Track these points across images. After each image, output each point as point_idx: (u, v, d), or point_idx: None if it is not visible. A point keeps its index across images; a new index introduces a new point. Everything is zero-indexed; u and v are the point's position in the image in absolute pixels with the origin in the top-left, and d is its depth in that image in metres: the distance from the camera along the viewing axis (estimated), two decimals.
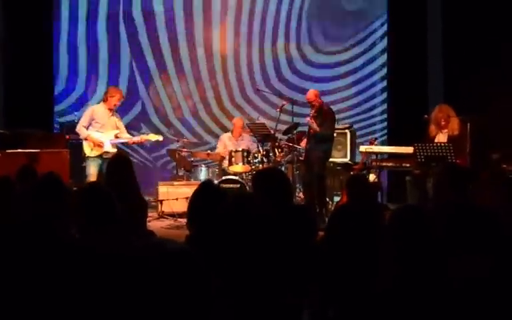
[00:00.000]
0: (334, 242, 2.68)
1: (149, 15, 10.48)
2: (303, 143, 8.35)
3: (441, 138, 7.53)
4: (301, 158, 8.47)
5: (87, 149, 7.90)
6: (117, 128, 8.10)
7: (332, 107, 8.53)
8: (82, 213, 2.93)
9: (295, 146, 8.43)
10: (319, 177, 7.94)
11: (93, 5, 10.47)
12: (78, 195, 3.11)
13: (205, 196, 3.21)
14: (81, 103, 10.30)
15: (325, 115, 8.09)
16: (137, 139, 8.42)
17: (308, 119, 8.04)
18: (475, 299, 2.29)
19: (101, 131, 7.94)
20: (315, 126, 7.94)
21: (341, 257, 2.59)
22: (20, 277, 2.51)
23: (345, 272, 2.56)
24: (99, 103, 8.41)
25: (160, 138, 8.39)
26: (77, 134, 8.16)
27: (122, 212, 2.97)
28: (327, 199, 8.50)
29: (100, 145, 7.84)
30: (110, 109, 8.02)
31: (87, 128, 7.95)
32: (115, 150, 7.92)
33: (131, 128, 9.26)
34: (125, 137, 8.24)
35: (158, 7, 10.48)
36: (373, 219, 2.70)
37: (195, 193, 3.29)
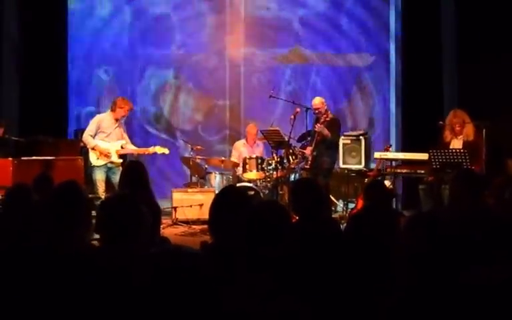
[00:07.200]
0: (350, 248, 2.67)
1: (161, 20, 10.49)
2: (307, 151, 8.34)
3: (456, 144, 7.48)
4: (306, 166, 8.43)
5: (93, 158, 8.00)
6: (123, 138, 8.18)
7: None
8: (110, 224, 2.69)
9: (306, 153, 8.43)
10: (325, 184, 7.97)
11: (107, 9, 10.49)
12: (107, 206, 2.86)
13: (228, 201, 2.98)
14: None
15: (332, 121, 8.20)
16: (143, 150, 8.48)
17: (318, 125, 8.11)
18: (490, 308, 2.27)
19: (106, 140, 8.03)
20: (326, 131, 8.03)
21: (356, 263, 2.58)
22: (37, 288, 2.51)
23: (358, 280, 2.54)
24: (106, 111, 8.45)
25: (166, 151, 8.45)
26: (84, 142, 8.23)
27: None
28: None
29: (107, 155, 7.93)
30: (116, 119, 8.10)
31: (93, 137, 8.03)
32: (120, 160, 8.00)
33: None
34: (131, 148, 8.30)
35: (172, 13, 10.47)
36: (389, 226, 2.68)
37: (217, 199, 3.04)
